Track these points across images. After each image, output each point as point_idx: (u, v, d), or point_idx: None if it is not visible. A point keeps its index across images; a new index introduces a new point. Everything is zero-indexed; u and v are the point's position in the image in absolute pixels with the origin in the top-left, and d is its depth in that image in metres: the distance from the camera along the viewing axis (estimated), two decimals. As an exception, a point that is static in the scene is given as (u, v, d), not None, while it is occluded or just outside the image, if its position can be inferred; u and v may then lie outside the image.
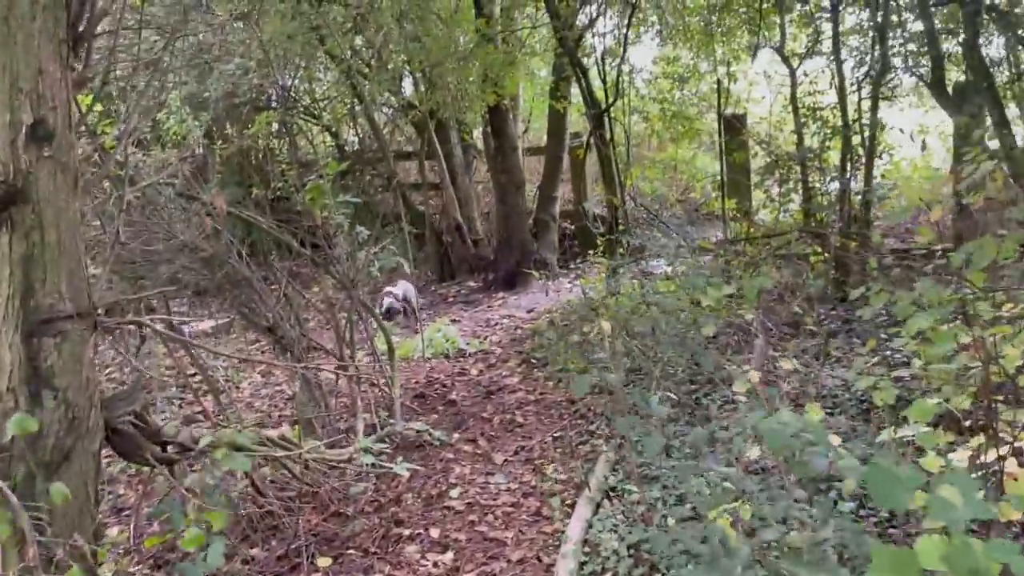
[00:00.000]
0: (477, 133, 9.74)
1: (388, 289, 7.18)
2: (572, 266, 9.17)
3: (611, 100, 6.58)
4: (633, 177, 6.92)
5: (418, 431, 4.35)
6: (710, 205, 7.48)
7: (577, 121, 9.92)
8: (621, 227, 7.28)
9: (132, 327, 4.65)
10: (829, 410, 3.89)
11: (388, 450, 4.31)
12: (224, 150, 5.58)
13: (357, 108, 8.64)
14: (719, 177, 9.29)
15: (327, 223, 4.66)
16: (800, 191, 6.25)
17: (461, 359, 6.27)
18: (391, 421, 4.47)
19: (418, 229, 9.42)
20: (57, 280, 2.40)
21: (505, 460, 4.10)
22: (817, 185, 6.14)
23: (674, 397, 4.28)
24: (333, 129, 9.56)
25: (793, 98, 6.41)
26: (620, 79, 6.58)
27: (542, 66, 9.43)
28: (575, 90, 9.11)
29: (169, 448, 3.01)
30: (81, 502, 2.45)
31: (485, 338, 6.79)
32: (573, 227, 9.57)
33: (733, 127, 7.55)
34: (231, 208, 4.73)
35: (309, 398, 4.59)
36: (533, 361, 5.88)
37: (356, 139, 10.70)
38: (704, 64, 6.92)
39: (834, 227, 5.63)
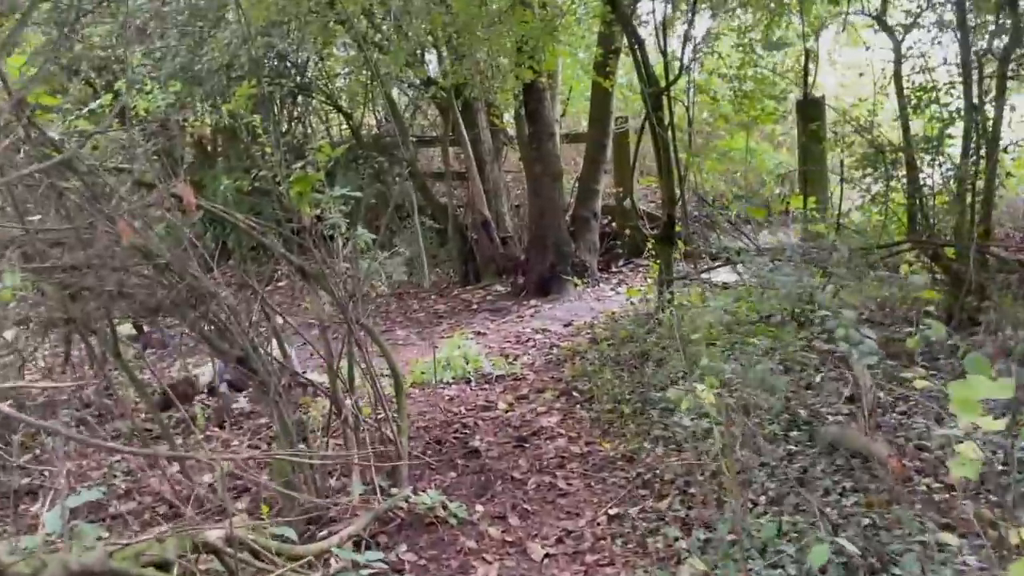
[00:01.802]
0: (508, 117, 8.62)
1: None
2: (614, 269, 8.05)
3: (674, 76, 5.44)
4: (699, 169, 5.78)
5: (429, 504, 3.28)
6: (781, 203, 6.31)
7: (621, 103, 8.77)
8: (679, 227, 6.15)
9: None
10: None
11: (389, 530, 3.25)
12: (196, 127, 4.59)
13: (374, 85, 7.56)
14: (782, 171, 8.14)
15: (317, 224, 3.59)
16: (906, 189, 5.09)
17: (486, 386, 5.19)
18: (394, 490, 3.40)
19: (440, 224, 8.35)
20: None
21: (546, 554, 3.02)
22: (931, 182, 4.98)
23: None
24: (348, 110, 8.49)
25: (897, 76, 5.24)
26: (685, 51, 5.44)
27: (582, 40, 8.28)
28: (622, 68, 7.97)
29: None
30: None
31: (515, 358, 5.70)
32: (615, 225, 8.43)
33: (810, 112, 6.38)
34: (205, 202, 3.68)
35: (291, 443, 3.55)
36: (575, 394, 4.79)
37: (374, 122, 9.62)
38: (784, 34, 5.75)
39: (965, 237, 4.46)
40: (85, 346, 3.77)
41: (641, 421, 4.15)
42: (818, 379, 4.37)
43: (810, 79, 5.36)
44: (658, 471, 3.56)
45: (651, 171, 8.83)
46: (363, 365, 3.83)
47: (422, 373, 5.45)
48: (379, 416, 3.76)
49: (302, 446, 3.51)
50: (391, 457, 3.61)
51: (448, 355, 5.54)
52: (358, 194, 3.73)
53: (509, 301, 7.30)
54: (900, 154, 5.03)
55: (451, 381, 5.30)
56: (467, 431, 4.36)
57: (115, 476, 4.09)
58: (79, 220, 3.25)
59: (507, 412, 4.65)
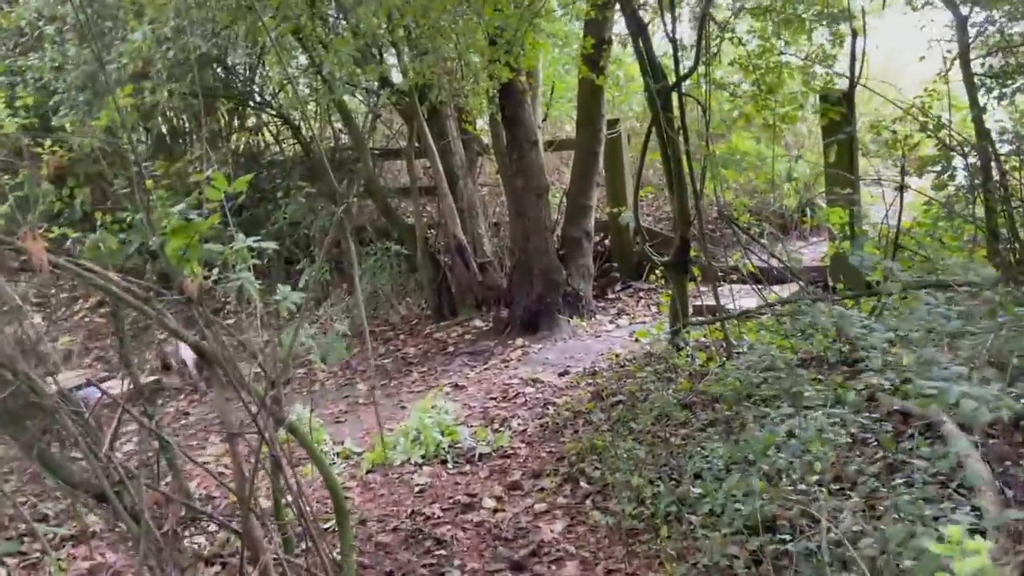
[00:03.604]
0: (482, 122, 7.51)
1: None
2: (610, 295, 6.97)
3: (690, 67, 4.37)
4: (718, 180, 4.70)
5: None
6: (799, 214, 5.26)
7: (611, 105, 7.70)
8: (695, 251, 5.08)
9: None
10: None
11: None
12: (65, 155, 3.49)
13: (322, 91, 6.42)
14: (798, 176, 7.08)
15: (207, 292, 2.46)
16: (981, 199, 4.05)
17: (467, 468, 4.07)
18: None
19: (407, 249, 7.21)
20: None
21: None
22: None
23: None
24: (295, 121, 7.34)
25: (964, 60, 4.20)
26: (704, 36, 4.35)
27: (564, 30, 7.21)
28: (615, 64, 6.91)
29: None
30: None
31: (502, 423, 4.58)
32: (609, 243, 7.35)
33: (842, 106, 5.32)
34: (65, 258, 2.54)
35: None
36: (583, 483, 3.68)
37: (330, 133, 8.48)
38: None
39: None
40: None
41: (678, 532, 3.05)
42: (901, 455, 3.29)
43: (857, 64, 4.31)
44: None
45: (647, 181, 7.76)
46: (290, 482, 2.70)
47: (385, 449, 4.32)
48: (311, 562, 2.62)
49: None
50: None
51: (419, 423, 4.41)
52: (271, 244, 2.60)
53: (491, 341, 6.17)
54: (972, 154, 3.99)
55: (422, 461, 4.17)
56: (441, 550, 3.23)
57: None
58: None
59: (495, 513, 3.53)
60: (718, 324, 4.59)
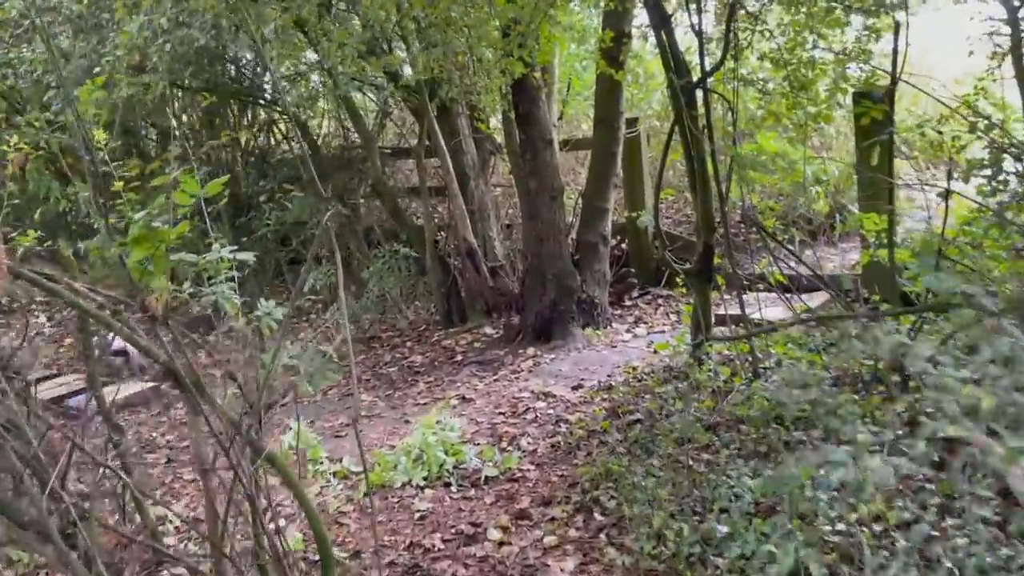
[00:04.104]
0: (495, 121, 7.21)
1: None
2: (627, 302, 6.64)
3: (717, 61, 4.05)
4: (747, 182, 4.38)
5: None
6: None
7: (629, 103, 7.37)
8: (719, 258, 4.76)
9: None
10: None
11: None
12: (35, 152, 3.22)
13: (327, 86, 6.15)
14: (827, 178, 6.74)
15: (175, 309, 2.18)
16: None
17: (472, 492, 3.78)
18: None
19: (416, 251, 6.93)
20: None
21: None
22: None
23: None
24: (300, 117, 7.08)
25: (1016, 55, 3.85)
26: (732, 27, 4.03)
27: (580, 23, 6.90)
28: (634, 59, 6.60)
29: None
30: None
31: (510, 441, 4.29)
32: (626, 247, 7.03)
33: (879, 103, 4.97)
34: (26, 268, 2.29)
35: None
36: (597, 514, 3.37)
37: (339, 131, 8.22)
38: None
39: None
40: None
41: (703, 576, 2.75)
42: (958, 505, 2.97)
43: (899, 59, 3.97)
44: None
45: (666, 183, 7.44)
46: (265, 525, 2.41)
47: (386, 469, 4.04)
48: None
49: None
50: None
51: (422, 440, 4.13)
52: (249, 255, 2.32)
53: (501, 349, 5.88)
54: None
55: (424, 483, 3.88)
56: (442, 590, 2.95)
57: None
58: None
59: (501, 547, 3.24)
60: (744, 338, 4.27)
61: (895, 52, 3.96)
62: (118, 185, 2.45)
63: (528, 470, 3.94)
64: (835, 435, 3.31)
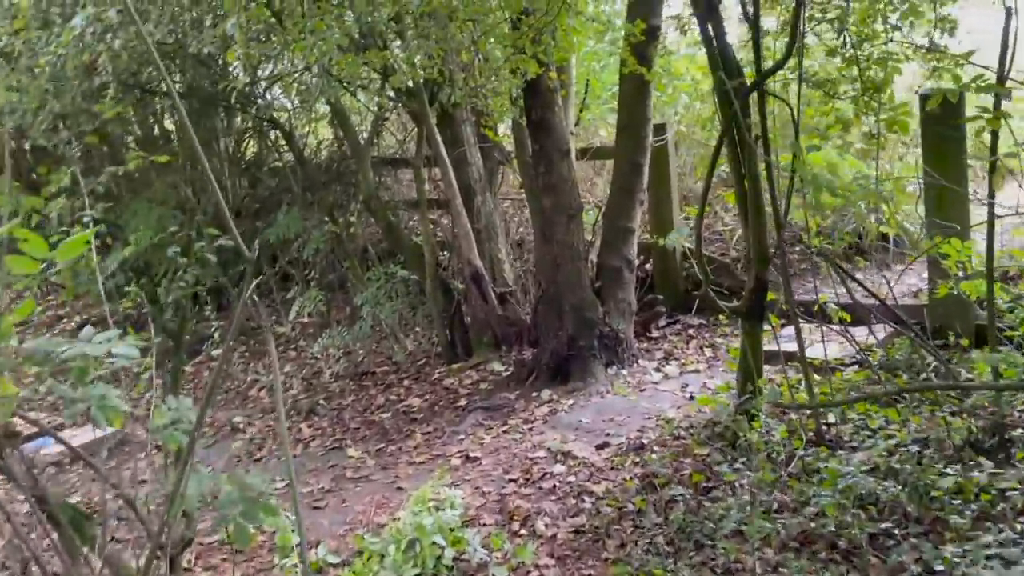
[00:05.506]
0: (504, 127, 6.43)
1: None
2: (654, 333, 5.84)
3: (781, 58, 3.27)
4: (813, 205, 3.60)
5: None
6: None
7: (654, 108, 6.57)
8: (772, 295, 3.98)
9: None
10: None
11: None
12: None
13: (313, 85, 5.38)
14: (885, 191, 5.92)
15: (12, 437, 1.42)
16: None
17: (477, 598, 3.01)
18: None
19: (415, 273, 6.16)
20: None
21: None
22: None
23: None
24: (284, 125, 6.33)
25: None
26: (800, 18, 3.25)
27: (601, 14, 6.13)
28: (662, 58, 5.81)
29: None
30: None
31: (524, 521, 3.51)
32: (651, 268, 6.24)
33: (942, 112, 4.19)
34: None
35: None
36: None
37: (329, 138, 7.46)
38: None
39: None
40: None
41: None
42: None
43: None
44: None
45: (693, 197, 6.66)
46: None
47: (369, 559, 3.27)
48: None
49: None
50: None
51: (416, 521, 3.35)
52: (133, 353, 1.55)
53: (511, 392, 5.09)
54: None
55: (417, 582, 3.11)
56: None
57: None
58: None
59: None
60: (813, 408, 3.48)
61: (1004, 46, 3.17)
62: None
63: (546, 566, 3.16)
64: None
